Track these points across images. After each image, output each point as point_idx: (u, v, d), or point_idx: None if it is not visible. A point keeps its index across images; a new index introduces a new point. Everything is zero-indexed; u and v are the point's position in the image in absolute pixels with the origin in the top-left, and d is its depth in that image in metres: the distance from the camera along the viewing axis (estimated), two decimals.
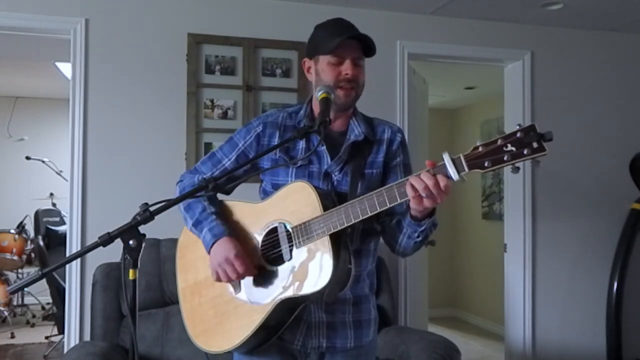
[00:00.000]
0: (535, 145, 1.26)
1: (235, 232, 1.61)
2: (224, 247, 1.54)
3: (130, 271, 1.27)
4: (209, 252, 1.58)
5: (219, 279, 1.56)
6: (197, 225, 1.62)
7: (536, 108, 3.81)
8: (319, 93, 1.55)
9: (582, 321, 3.87)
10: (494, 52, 3.80)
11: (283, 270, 1.52)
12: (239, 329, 1.55)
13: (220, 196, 1.70)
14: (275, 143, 1.65)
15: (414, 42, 3.62)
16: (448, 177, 1.34)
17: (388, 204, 1.40)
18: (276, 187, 1.62)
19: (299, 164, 1.62)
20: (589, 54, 3.96)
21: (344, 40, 1.56)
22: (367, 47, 1.60)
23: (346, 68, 1.58)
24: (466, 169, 1.32)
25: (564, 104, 3.89)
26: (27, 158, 5.76)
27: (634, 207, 3.87)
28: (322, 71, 1.61)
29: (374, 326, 1.71)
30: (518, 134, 1.28)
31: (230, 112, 3.32)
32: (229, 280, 1.54)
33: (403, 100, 3.57)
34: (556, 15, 3.68)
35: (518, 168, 1.31)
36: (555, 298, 3.82)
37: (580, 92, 3.94)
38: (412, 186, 1.35)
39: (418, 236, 1.52)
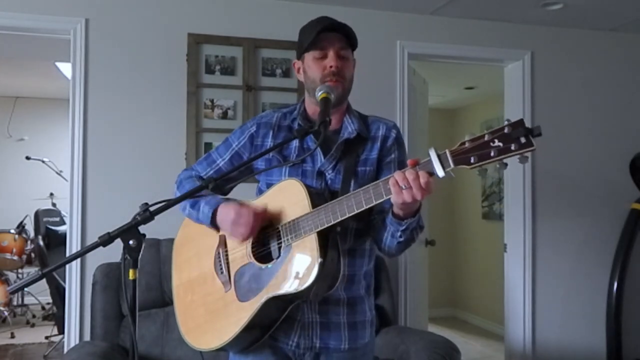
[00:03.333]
0: (523, 140, 1.22)
1: None
2: (227, 212, 1.53)
3: (130, 271, 1.27)
4: (214, 226, 1.57)
5: (245, 239, 1.54)
6: (194, 205, 1.62)
7: (536, 108, 3.81)
8: (319, 93, 1.54)
9: (582, 321, 3.87)
10: (494, 52, 3.80)
11: (271, 268, 1.51)
12: (228, 327, 1.55)
13: None
14: (269, 143, 1.66)
15: (414, 42, 3.62)
16: (432, 173, 1.31)
17: (374, 200, 1.38)
18: (270, 186, 1.62)
19: (292, 164, 1.61)
20: (589, 54, 3.97)
21: (325, 34, 1.57)
22: (348, 37, 1.60)
23: (330, 60, 1.58)
24: (452, 164, 1.29)
25: (564, 104, 3.89)
26: (27, 158, 5.76)
27: (634, 207, 3.88)
28: (308, 68, 1.62)
29: (370, 328, 1.69)
30: (505, 129, 1.24)
31: (230, 112, 3.32)
32: (250, 233, 1.51)
33: (403, 100, 3.57)
34: (556, 15, 3.68)
35: (506, 164, 1.27)
36: (555, 298, 3.82)
37: (580, 92, 3.94)
38: (393, 177, 1.34)
39: (400, 236, 1.49)
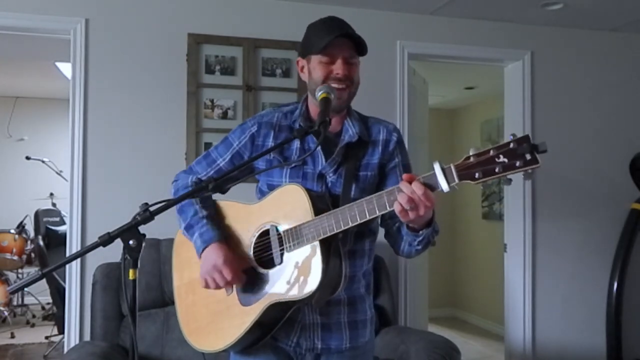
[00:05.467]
0: (528, 157, 1.22)
1: (228, 234, 1.61)
2: (213, 255, 1.53)
3: (130, 271, 1.27)
4: (200, 257, 1.58)
5: (207, 286, 1.55)
6: (188, 229, 1.62)
7: (536, 108, 3.81)
8: (319, 93, 1.54)
9: (582, 321, 3.87)
10: (494, 52, 3.80)
11: (274, 273, 1.52)
12: (231, 329, 1.55)
13: (215, 195, 1.70)
14: (270, 143, 1.64)
15: (414, 42, 3.62)
16: (435, 188, 1.32)
17: (377, 212, 1.39)
18: (271, 187, 1.62)
19: (293, 165, 1.61)
20: (589, 54, 3.96)
21: (335, 39, 1.54)
22: (358, 45, 1.59)
23: (337, 67, 1.56)
24: (456, 179, 1.29)
25: (564, 104, 3.89)
26: (27, 158, 5.75)
27: (634, 207, 3.88)
28: (313, 70, 1.60)
29: (370, 326, 1.70)
30: (511, 145, 1.24)
31: (230, 112, 3.32)
32: (217, 287, 1.54)
33: (403, 100, 3.57)
34: (556, 15, 3.68)
35: (510, 180, 1.27)
36: (555, 298, 3.82)
37: (580, 92, 3.94)
38: (397, 202, 1.34)
39: (418, 244, 1.52)
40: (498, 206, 5.75)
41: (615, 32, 4.00)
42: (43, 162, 5.80)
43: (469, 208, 6.33)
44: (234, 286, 1.57)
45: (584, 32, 3.95)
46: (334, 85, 1.56)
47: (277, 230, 1.53)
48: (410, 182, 1.33)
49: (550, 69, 3.87)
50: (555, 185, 3.84)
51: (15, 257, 5.44)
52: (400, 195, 1.33)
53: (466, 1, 3.45)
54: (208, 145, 3.24)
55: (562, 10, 3.58)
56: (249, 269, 1.56)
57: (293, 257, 1.49)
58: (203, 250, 1.56)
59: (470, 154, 1.29)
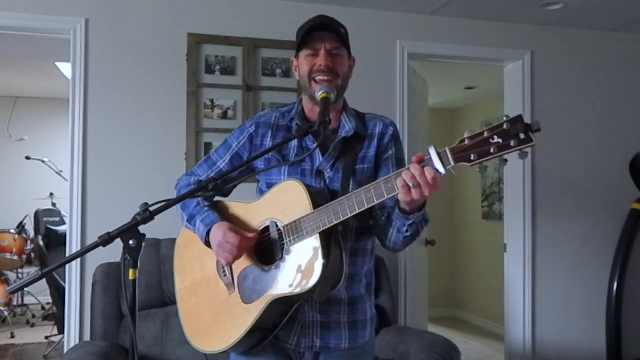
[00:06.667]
0: (522, 136, 1.22)
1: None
2: (216, 234, 1.54)
3: (130, 271, 1.27)
4: (206, 244, 1.58)
5: (228, 264, 1.55)
6: (191, 220, 1.63)
7: (536, 108, 3.81)
8: (319, 93, 1.55)
9: (582, 321, 3.87)
10: (494, 52, 3.80)
11: (275, 270, 1.52)
12: (233, 329, 1.55)
13: (218, 198, 1.70)
14: (268, 142, 1.66)
15: (414, 42, 3.62)
16: (435, 170, 1.32)
17: (376, 200, 1.39)
18: (270, 186, 1.62)
19: (291, 163, 1.62)
20: (589, 54, 3.96)
21: (317, 33, 1.58)
22: (340, 36, 1.60)
23: (320, 59, 1.58)
24: (452, 162, 1.30)
25: (563, 104, 3.89)
26: (27, 158, 5.76)
27: (634, 207, 3.88)
28: (301, 65, 1.63)
29: (370, 327, 1.69)
30: (505, 126, 1.24)
31: (230, 112, 3.32)
32: (234, 259, 1.52)
33: (403, 100, 3.57)
34: (556, 15, 3.68)
35: (506, 160, 1.27)
36: (555, 298, 3.82)
37: (580, 92, 3.94)
38: (401, 177, 1.34)
39: (407, 230, 1.50)
40: (498, 206, 5.75)
41: (615, 32, 3.99)
42: (43, 162, 5.80)
43: (469, 208, 6.34)
44: (236, 284, 1.57)
45: (584, 32, 3.95)
46: (319, 78, 1.58)
47: (277, 226, 1.53)
48: (419, 163, 1.33)
49: (550, 69, 3.87)
50: (555, 185, 3.84)
51: (15, 257, 5.44)
52: (406, 173, 1.33)
53: (466, 1, 3.45)
54: (208, 145, 3.25)
55: (562, 10, 3.58)
56: (250, 266, 1.56)
57: (294, 252, 1.49)
58: (207, 235, 1.56)
59: (465, 136, 1.29)
